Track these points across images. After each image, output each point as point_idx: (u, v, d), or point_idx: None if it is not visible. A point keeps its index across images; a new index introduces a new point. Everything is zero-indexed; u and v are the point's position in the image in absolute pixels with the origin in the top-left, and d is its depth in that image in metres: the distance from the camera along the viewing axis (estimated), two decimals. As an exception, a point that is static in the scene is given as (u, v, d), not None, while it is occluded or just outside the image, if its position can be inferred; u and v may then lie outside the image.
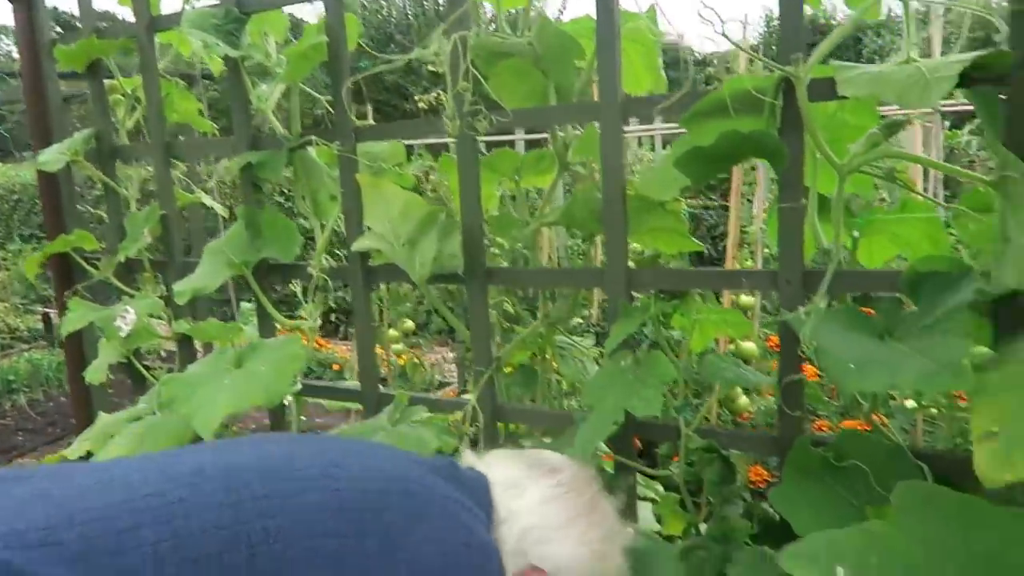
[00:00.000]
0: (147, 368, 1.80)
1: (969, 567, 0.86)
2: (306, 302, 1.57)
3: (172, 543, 0.78)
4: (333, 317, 6.49)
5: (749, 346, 2.29)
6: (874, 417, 1.20)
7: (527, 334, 1.43)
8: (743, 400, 2.04)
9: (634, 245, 1.44)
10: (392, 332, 3.00)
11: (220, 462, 0.89)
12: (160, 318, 1.75)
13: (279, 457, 0.94)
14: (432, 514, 0.88)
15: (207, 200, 1.82)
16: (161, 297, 1.74)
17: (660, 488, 1.63)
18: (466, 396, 1.43)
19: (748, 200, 3.34)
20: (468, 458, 1.05)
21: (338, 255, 1.80)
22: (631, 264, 1.27)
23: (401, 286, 3.10)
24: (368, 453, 1.03)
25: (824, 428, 2.10)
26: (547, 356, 1.48)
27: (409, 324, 3.13)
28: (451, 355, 4.57)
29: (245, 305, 1.85)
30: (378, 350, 2.48)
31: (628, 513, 1.28)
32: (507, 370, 1.56)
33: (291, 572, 0.79)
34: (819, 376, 2.10)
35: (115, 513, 0.78)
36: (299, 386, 1.53)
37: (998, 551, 0.84)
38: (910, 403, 2.09)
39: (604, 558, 0.99)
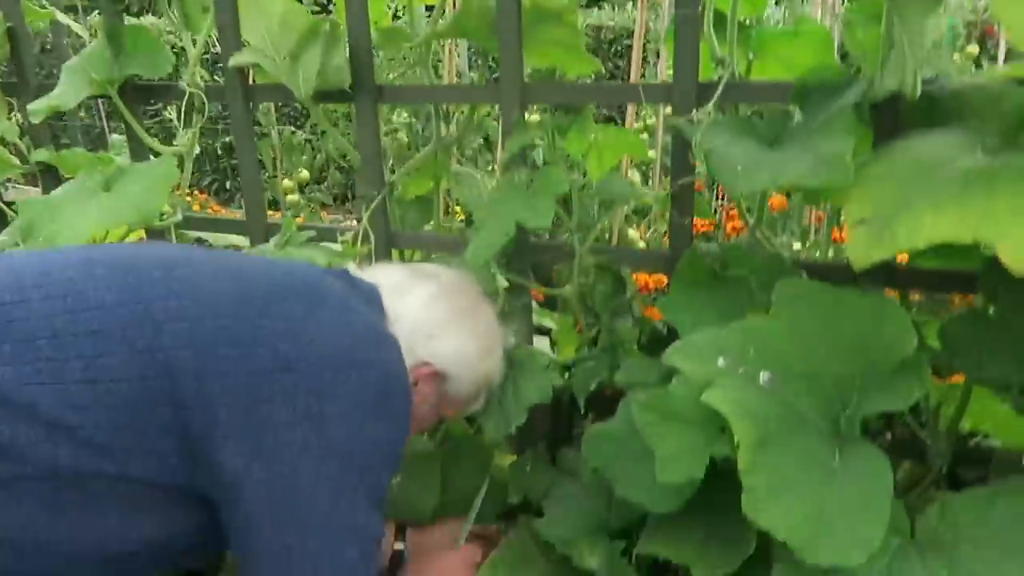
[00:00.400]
0: (9, 205, 1.65)
1: (837, 349, 0.92)
2: (183, 127, 1.45)
3: (67, 317, 0.75)
4: (228, 184, 6.19)
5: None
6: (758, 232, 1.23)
7: (420, 157, 1.38)
8: (631, 233, 2.08)
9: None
10: (287, 182, 2.86)
11: (110, 254, 0.87)
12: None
13: (175, 251, 0.92)
14: (333, 304, 0.88)
15: (62, 17, 1.62)
16: (19, 126, 1.58)
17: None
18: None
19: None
20: (353, 271, 1.03)
21: (218, 79, 1.66)
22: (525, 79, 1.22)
23: (295, 135, 2.94)
24: (263, 259, 1.02)
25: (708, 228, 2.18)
26: (442, 183, 1.44)
27: (304, 174, 3.00)
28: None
29: (116, 137, 1.70)
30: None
31: (523, 335, 1.30)
32: (404, 199, 1.51)
33: (198, 352, 0.77)
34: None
35: (1, 289, 0.76)
36: (179, 216, 1.44)
37: (865, 332, 0.90)
38: (796, 246, 2.20)
39: (490, 353, 1.01)
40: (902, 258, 1.13)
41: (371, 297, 0.96)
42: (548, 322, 1.56)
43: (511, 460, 1.31)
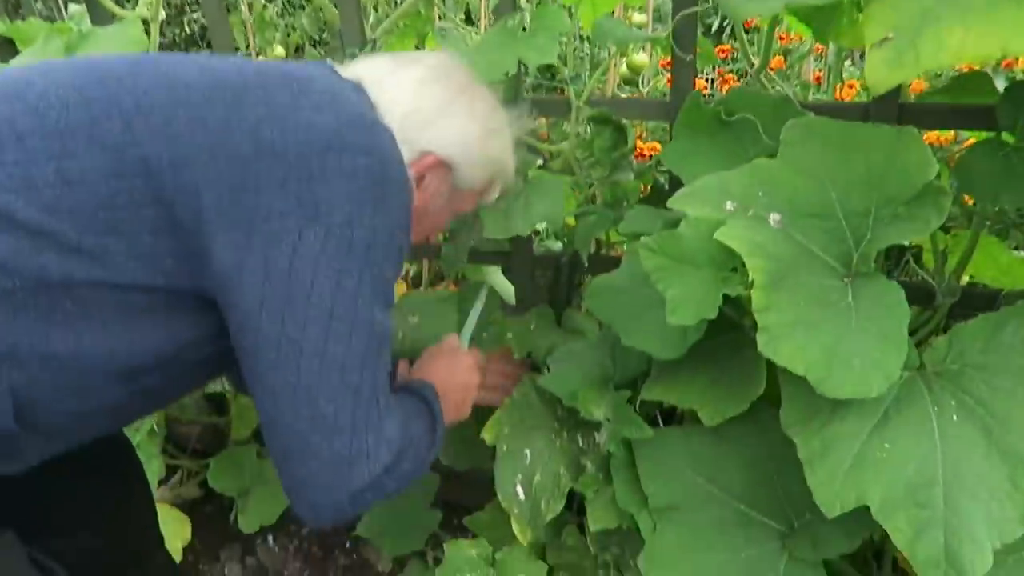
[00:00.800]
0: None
1: (850, 185, 0.88)
2: (144, -11, 1.34)
3: (30, 119, 0.71)
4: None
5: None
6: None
7: (402, 10, 1.29)
8: (639, 58, 2.01)
9: None
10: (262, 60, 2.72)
11: (71, 62, 0.80)
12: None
13: (141, 55, 0.86)
14: (319, 90, 0.82)
15: None
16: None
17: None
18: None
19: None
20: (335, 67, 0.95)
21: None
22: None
23: (267, 9, 2.77)
24: (239, 58, 0.96)
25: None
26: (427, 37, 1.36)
27: (279, 51, 2.85)
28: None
29: (75, 8, 1.59)
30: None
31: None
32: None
33: (173, 142, 0.73)
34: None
35: None
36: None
37: (880, 164, 0.86)
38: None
39: (495, 133, 0.96)
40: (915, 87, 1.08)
41: (357, 88, 0.88)
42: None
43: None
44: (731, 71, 2.48)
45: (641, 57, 2.33)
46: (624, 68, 2.26)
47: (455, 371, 1.10)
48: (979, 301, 1.12)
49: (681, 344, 0.91)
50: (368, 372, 0.79)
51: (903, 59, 0.75)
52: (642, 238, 0.85)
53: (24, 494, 0.89)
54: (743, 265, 0.81)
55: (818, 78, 2.18)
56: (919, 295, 1.13)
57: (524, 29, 1.10)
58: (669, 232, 0.86)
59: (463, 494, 1.70)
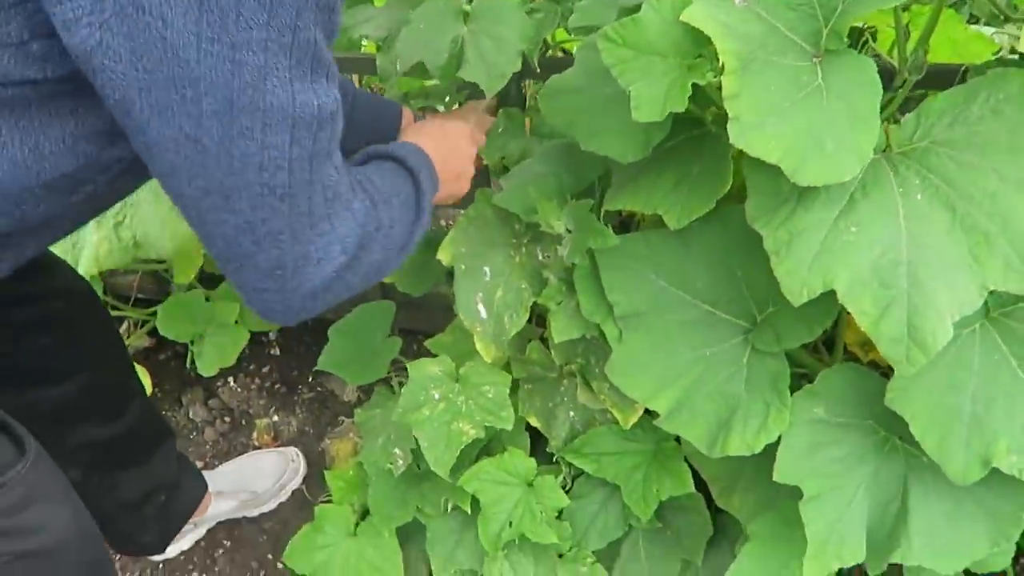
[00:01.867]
0: None
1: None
2: None
3: None
4: None
5: None
6: None
7: None
8: None
9: None
10: None
11: None
12: None
13: None
14: None
15: None
16: None
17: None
18: None
19: None
20: None
21: None
22: None
23: None
24: None
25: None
26: None
27: None
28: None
29: None
30: None
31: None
32: None
33: None
34: None
35: None
36: None
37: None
38: None
39: None
40: None
41: None
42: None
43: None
44: None
45: None
46: None
47: (448, 135, 1.01)
48: (940, 79, 1.09)
49: (645, 144, 0.86)
50: (299, 167, 0.66)
51: None
52: (601, 28, 0.77)
53: None
54: (711, 50, 0.75)
55: None
56: (880, 76, 1.08)
57: None
58: (630, 19, 0.78)
59: (422, 321, 1.71)
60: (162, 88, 0.59)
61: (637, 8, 0.89)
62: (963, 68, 1.07)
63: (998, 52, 1.20)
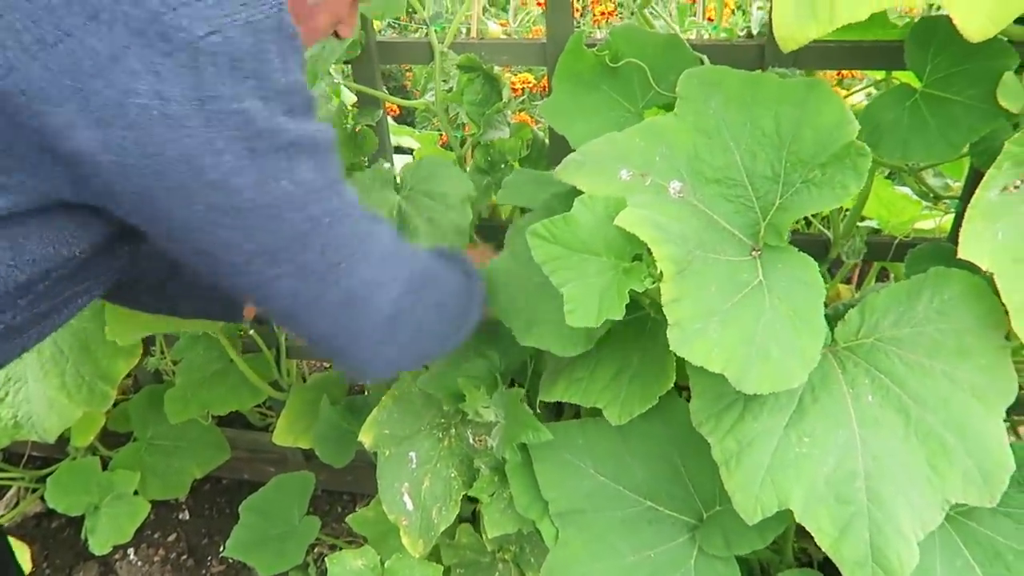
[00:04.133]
0: None
1: (757, 146, 0.78)
2: None
3: None
4: None
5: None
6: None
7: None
8: (491, 27, 1.82)
9: None
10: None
11: None
12: None
13: None
14: None
15: None
16: None
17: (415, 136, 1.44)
18: None
19: None
20: None
21: None
22: None
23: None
24: None
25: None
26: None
27: None
28: None
29: None
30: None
31: (381, 158, 1.09)
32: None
33: None
34: None
35: None
36: None
37: (790, 122, 0.76)
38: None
39: None
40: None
41: None
42: (408, 140, 1.34)
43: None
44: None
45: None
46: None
47: None
48: (874, 250, 1.07)
49: (585, 339, 0.80)
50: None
51: (817, 10, 0.64)
52: (531, 226, 0.72)
53: None
54: (648, 252, 0.69)
55: None
56: (815, 248, 1.06)
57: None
58: (562, 217, 0.72)
59: (346, 483, 1.57)
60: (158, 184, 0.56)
61: (567, 192, 0.85)
62: (895, 241, 1.06)
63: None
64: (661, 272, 0.67)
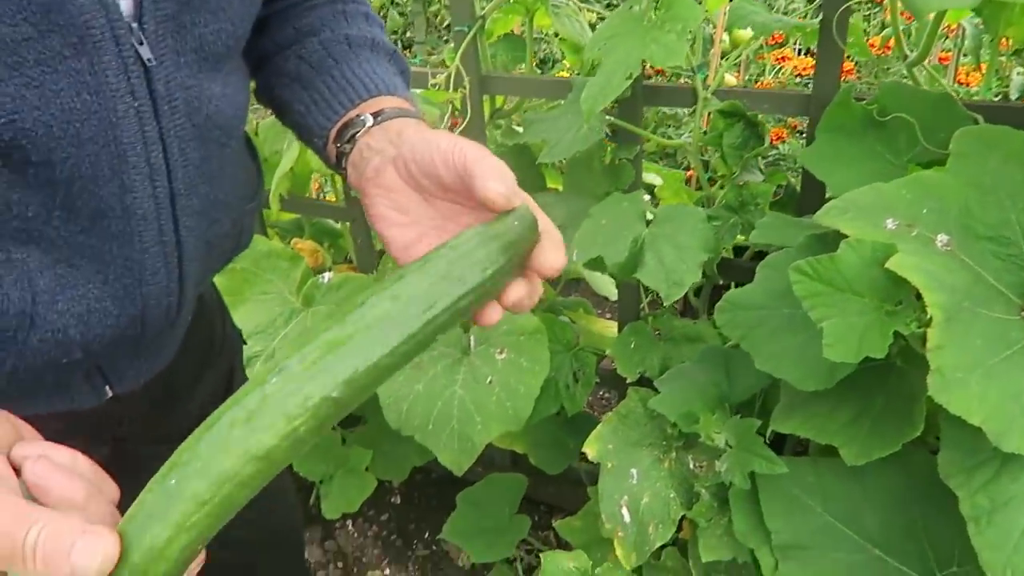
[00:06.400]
0: None
1: (1038, 205, 0.77)
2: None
3: None
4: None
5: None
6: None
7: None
8: (728, 78, 1.87)
9: None
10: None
11: None
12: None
13: None
14: None
15: None
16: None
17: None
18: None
19: None
20: None
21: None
22: None
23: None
24: None
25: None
26: (537, 13, 1.26)
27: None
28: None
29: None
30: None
31: (634, 188, 1.18)
32: (490, 40, 1.35)
33: None
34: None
35: None
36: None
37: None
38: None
39: None
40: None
41: None
42: (651, 176, 1.43)
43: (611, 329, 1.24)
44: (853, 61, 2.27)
45: (746, 32, 2.19)
46: (726, 42, 2.12)
47: None
48: None
49: (830, 377, 0.82)
50: None
51: None
52: (795, 263, 0.76)
53: None
54: (917, 297, 0.72)
55: (943, 59, 2.01)
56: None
57: (656, 10, 1.00)
58: (827, 257, 0.76)
59: (550, 494, 1.66)
60: None
61: (825, 234, 0.88)
62: None
63: None
64: (930, 318, 0.69)
